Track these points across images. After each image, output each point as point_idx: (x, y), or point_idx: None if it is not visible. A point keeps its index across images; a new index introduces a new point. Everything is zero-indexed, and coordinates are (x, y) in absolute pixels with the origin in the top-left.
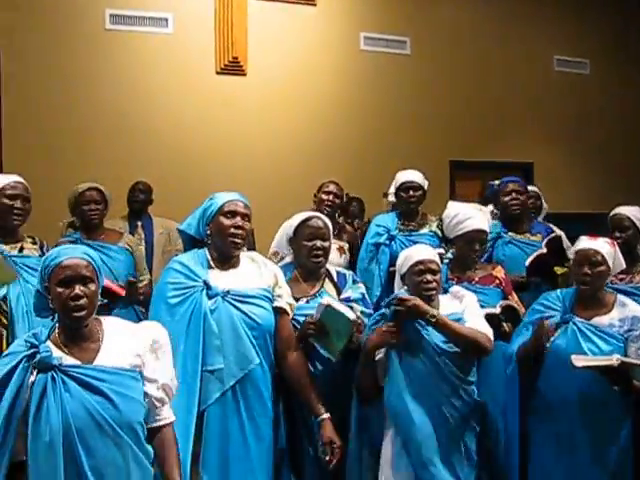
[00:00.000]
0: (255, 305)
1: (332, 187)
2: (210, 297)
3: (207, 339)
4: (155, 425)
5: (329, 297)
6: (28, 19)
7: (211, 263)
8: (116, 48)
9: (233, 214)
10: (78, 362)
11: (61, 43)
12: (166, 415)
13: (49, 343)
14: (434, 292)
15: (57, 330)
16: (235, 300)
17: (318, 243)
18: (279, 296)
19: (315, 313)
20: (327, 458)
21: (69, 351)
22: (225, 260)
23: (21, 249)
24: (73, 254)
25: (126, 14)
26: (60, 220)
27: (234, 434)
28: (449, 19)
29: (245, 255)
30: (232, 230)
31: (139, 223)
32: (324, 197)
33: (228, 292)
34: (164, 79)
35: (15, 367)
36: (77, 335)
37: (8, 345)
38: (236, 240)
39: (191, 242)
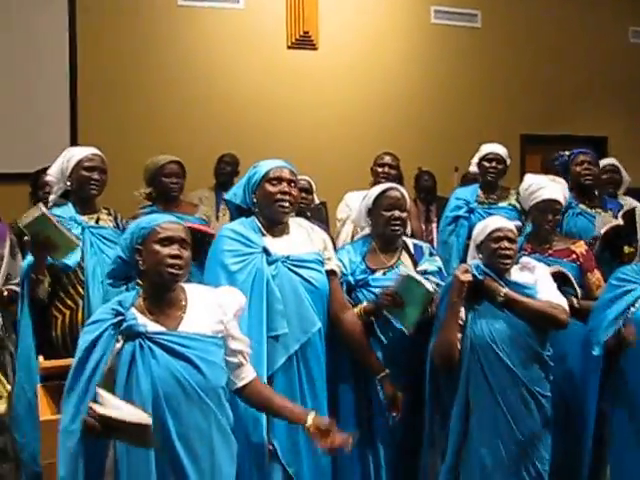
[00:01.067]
0: (312, 269)
1: (387, 159)
2: (270, 263)
3: (271, 304)
4: (244, 383)
5: (406, 269)
6: None
7: (263, 230)
8: (188, 24)
9: (279, 180)
10: (163, 329)
11: (134, 20)
12: (251, 370)
13: (133, 310)
14: (509, 260)
15: (141, 297)
16: (294, 265)
17: (396, 213)
18: (328, 259)
19: (393, 284)
20: (393, 414)
21: (154, 318)
22: (275, 227)
23: (97, 220)
24: (171, 219)
25: None
26: (136, 190)
27: (297, 398)
28: None
29: (293, 221)
30: (279, 196)
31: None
32: (379, 170)
33: (288, 257)
34: (236, 54)
35: (101, 334)
36: (162, 301)
37: (84, 314)
38: (284, 205)
39: (237, 211)
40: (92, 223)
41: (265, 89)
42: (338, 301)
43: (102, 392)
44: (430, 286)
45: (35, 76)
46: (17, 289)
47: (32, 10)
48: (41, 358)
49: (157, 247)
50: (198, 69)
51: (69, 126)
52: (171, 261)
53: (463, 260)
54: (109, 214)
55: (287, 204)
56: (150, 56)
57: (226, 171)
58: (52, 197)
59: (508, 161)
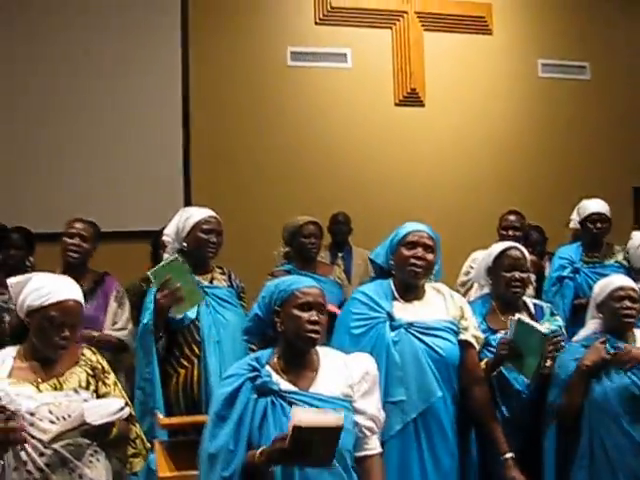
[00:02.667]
0: (439, 337)
1: (511, 218)
2: (393, 328)
3: (390, 370)
4: (362, 454)
5: (519, 315)
6: (214, 59)
7: (395, 294)
8: (298, 84)
9: (414, 245)
10: (295, 388)
11: (246, 81)
12: (374, 445)
13: (268, 368)
14: (633, 320)
15: (276, 356)
16: (418, 332)
17: (517, 274)
18: (465, 329)
19: (508, 333)
20: None
21: (287, 377)
22: (409, 291)
23: (212, 279)
24: (310, 283)
25: (307, 51)
26: (245, 249)
27: (414, 467)
28: (627, 40)
29: (430, 286)
30: (412, 260)
31: (339, 254)
32: (503, 233)
33: (411, 324)
34: (344, 112)
35: (240, 387)
36: (298, 362)
37: (199, 373)
38: (415, 270)
39: (381, 271)
40: (206, 283)
41: (374, 146)
42: (469, 373)
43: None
44: (544, 329)
45: (150, 138)
46: (119, 335)
47: (145, 69)
48: (160, 415)
49: (297, 312)
50: (307, 128)
51: (183, 186)
52: (310, 327)
53: (569, 321)
54: (223, 273)
55: (420, 270)
56: (262, 116)
57: (342, 230)
58: (166, 256)
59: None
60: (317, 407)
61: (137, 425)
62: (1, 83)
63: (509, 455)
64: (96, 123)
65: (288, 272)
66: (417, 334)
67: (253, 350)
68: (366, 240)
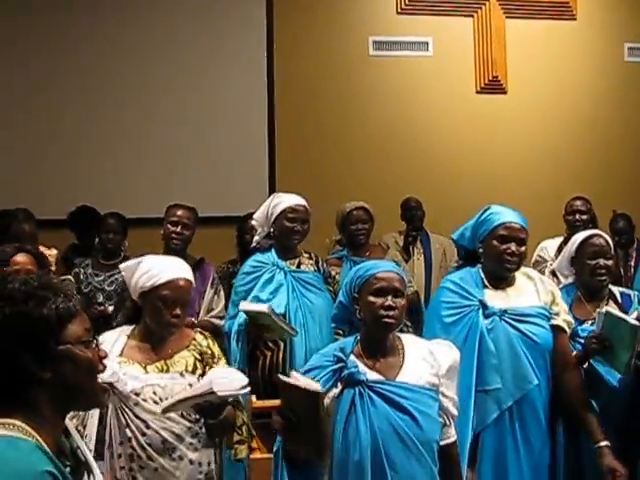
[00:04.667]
0: (533, 324)
1: (577, 204)
2: (486, 316)
3: (484, 358)
4: (443, 443)
5: (607, 307)
6: (298, 49)
7: (485, 282)
8: (379, 73)
9: (507, 239)
10: (382, 377)
11: (329, 70)
12: (452, 433)
13: (353, 357)
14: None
15: (360, 344)
16: (512, 319)
17: (601, 261)
18: (556, 314)
19: (596, 326)
20: None
21: (372, 365)
22: (500, 278)
23: (299, 264)
24: (387, 267)
25: (388, 40)
26: (332, 235)
27: (510, 456)
28: None
29: (521, 272)
30: (505, 257)
31: (416, 241)
32: (569, 218)
33: (505, 311)
34: (426, 101)
35: (321, 379)
36: (380, 349)
37: (284, 359)
38: (510, 266)
39: (466, 253)
40: (294, 268)
41: (455, 135)
42: (563, 359)
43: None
44: (633, 320)
45: (235, 125)
46: (217, 322)
47: (231, 58)
48: (254, 397)
49: (372, 298)
50: (388, 116)
51: (267, 173)
52: (384, 312)
53: None
54: (310, 258)
55: (514, 265)
56: (342, 104)
57: (417, 215)
58: (256, 238)
59: None
60: (405, 397)
61: (243, 412)
62: (91, 69)
63: (604, 443)
64: (182, 111)
65: (340, 259)
66: (511, 321)
67: (339, 334)
68: (439, 227)
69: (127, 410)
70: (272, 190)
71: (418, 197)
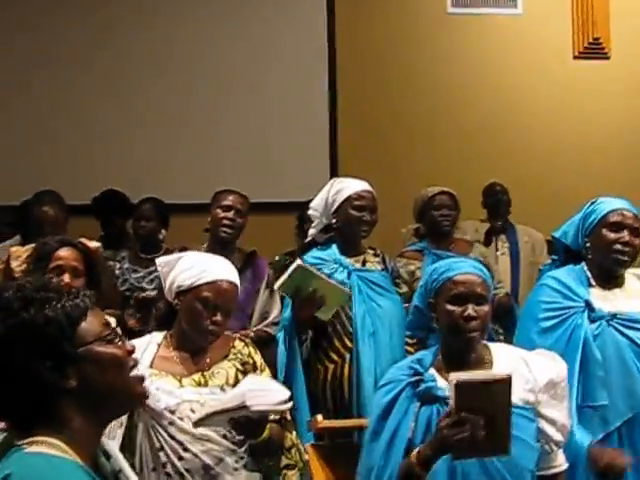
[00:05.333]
0: None
1: None
2: (592, 320)
3: (589, 369)
4: (548, 473)
5: None
6: (362, 15)
7: (591, 281)
8: (459, 33)
9: (619, 227)
10: None
11: (398, 34)
12: (559, 462)
13: (432, 370)
14: None
15: (439, 355)
16: (622, 325)
17: None
18: None
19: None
20: None
21: None
22: (608, 278)
23: (364, 262)
24: (466, 269)
25: None
26: (403, 227)
27: None
28: None
29: (630, 272)
30: (617, 246)
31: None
32: None
33: (614, 315)
34: (513, 65)
35: (397, 395)
36: (463, 361)
37: (351, 369)
38: (620, 258)
39: (564, 253)
40: (358, 266)
41: (548, 108)
42: None
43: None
44: None
45: (294, 103)
46: (272, 332)
47: (290, 33)
48: (319, 417)
49: (449, 306)
50: (467, 85)
51: (328, 152)
52: (464, 323)
53: None
54: (376, 255)
55: (626, 257)
56: (418, 70)
57: (502, 201)
58: (312, 231)
59: None
60: None
61: (293, 432)
62: (130, 48)
63: None
64: (230, 84)
65: (420, 252)
66: (621, 327)
67: (409, 344)
68: (526, 218)
69: (160, 430)
70: (334, 173)
71: (503, 182)
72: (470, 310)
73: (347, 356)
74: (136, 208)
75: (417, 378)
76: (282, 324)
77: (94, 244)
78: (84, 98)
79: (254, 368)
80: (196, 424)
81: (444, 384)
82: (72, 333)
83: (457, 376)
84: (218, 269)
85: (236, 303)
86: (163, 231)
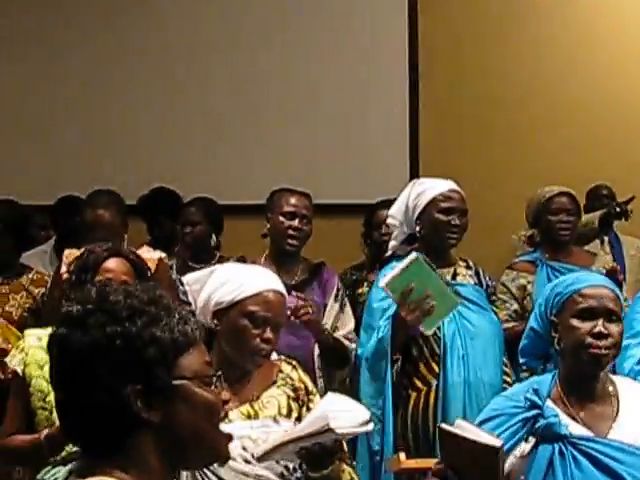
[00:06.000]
0: None
1: None
2: None
3: None
4: None
5: None
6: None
7: None
8: (554, 9)
9: None
10: (589, 432)
11: (490, 14)
12: None
13: (550, 402)
14: None
15: (559, 384)
16: None
17: None
18: None
19: None
20: None
21: (576, 415)
22: None
23: (454, 275)
24: (596, 281)
25: None
26: (491, 236)
27: None
28: None
29: None
30: None
31: (605, 239)
32: None
33: None
34: (621, 45)
35: (505, 431)
36: (587, 393)
37: (436, 398)
38: None
39: None
40: (449, 279)
41: None
42: None
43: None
44: None
45: (372, 99)
46: (347, 344)
47: (370, 27)
48: (403, 455)
49: (575, 322)
50: (565, 73)
51: (408, 153)
52: (592, 341)
53: None
54: (468, 267)
55: None
56: (511, 58)
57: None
58: (393, 243)
59: None
60: (620, 461)
61: (351, 464)
62: (185, 38)
63: None
64: (308, 85)
65: (532, 263)
66: None
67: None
68: (634, 228)
69: (208, 473)
70: (414, 172)
71: (611, 185)
72: (600, 327)
73: (433, 383)
74: (182, 212)
75: (535, 412)
76: (376, 345)
77: (157, 254)
78: (129, 93)
79: (307, 393)
80: (261, 459)
81: (567, 420)
82: (172, 362)
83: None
84: (260, 279)
85: (285, 316)
86: (214, 236)
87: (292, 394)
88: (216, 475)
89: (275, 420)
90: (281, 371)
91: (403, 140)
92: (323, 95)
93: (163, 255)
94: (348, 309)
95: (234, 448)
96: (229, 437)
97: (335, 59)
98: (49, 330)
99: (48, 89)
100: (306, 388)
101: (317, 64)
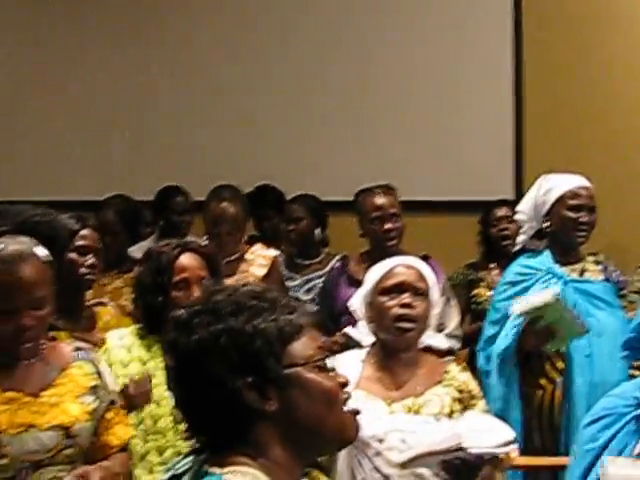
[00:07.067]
0: None
1: None
2: None
3: None
4: None
5: None
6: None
7: None
8: None
9: None
10: None
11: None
12: None
13: None
14: None
15: None
16: None
17: None
18: None
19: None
20: None
21: None
22: None
23: (582, 272)
24: None
25: None
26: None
27: None
28: None
29: None
30: None
31: None
32: None
33: None
34: None
35: (618, 432)
36: None
37: (562, 397)
38: None
39: None
40: (575, 276)
41: None
42: None
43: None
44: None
45: (475, 92)
46: (451, 344)
47: (472, 24)
48: (515, 452)
49: None
50: None
51: (513, 148)
52: None
53: None
54: (597, 263)
55: None
56: (611, 56)
57: None
58: (522, 238)
59: None
60: None
61: (504, 472)
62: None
63: None
64: (417, 80)
65: None
66: None
67: (634, 367)
68: None
69: (365, 462)
70: (519, 167)
71: None
72: None
73: (558, 381)
74: (284, 209)
75: None
76: (503, 351)
77: (272, 252)
78: (238, 89)
79: (471, 397)
80: (403, 466)
81: None
82: (281, 351)
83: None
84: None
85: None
86: (317, 231)
87: (456, 395)
88: (374, 466)
89: (437, 418)
90: (447, 372)
91: (506, 134)
92: (424, 87)
93: (277, 253)
94: (454, 303)
95: (393, 439)
96: (355, 412)
97: (434, 50)
98: (130, 329)
99: (144, 80)
100: (470, 392)
101: (417, 56)
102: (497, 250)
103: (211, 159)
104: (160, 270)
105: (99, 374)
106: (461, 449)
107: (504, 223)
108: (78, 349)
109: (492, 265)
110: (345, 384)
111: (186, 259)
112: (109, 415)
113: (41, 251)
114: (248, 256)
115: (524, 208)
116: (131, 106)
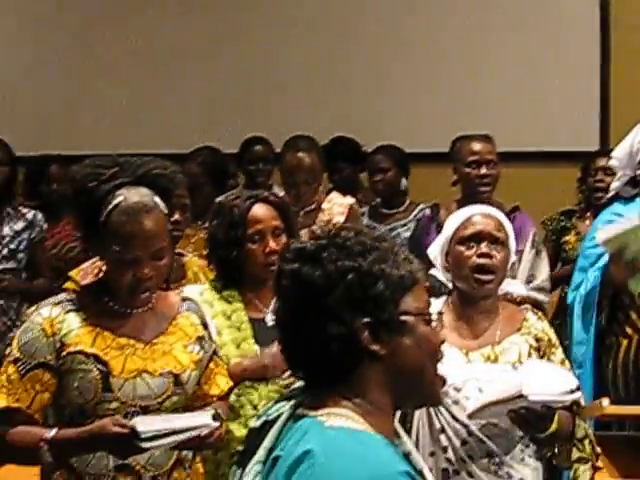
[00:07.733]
0: None
1: None
2: None
3: None
4: None
5: None
6: None
7: None
8: None
9: None
10: None
11: None
12: None
13: None
14: None
15: None
16: None
17: None
18: None
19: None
20: None
21: None
22: None
23: None
24: None
25: None
26: None
27: None
28: None
29: None
30: None
31: None
32: None
33: None
34: None
35: None
36: None
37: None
38: None
39: None
40: None
41: None
42: None
43: None
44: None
45: (553, 28)
46: (540, 298)
47: None
48: (605, 401)
49: None
50: None
51: (599, 93)
52: None
53: None
54: None
55: None
56: None
57: None
58: (616, 184)
59: None
60: None
61: (586, 420)
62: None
63: None
64: (503, 27)
65: None
66: None
67: None
68: None
69: (442, 410)
70: (605, 121)
71: None
72: None
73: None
74: (368, 161)
75: None
76: (586, 291)
77: (348, 200)
78: (322, 40)
79: (549, 345)
80: (471, 416)
81: None
82: (399, 298)
83: None
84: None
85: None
86: (403, 180)
87: (534, 344)
88: (452, 415)
89: (514, 367)
90: (526, 320)
91: (593, 87)
92: (514, 40)
93: (353, 201)
94: (544, 255)
95: (470, 389)
96: (444, 381)
97: (527, 3)
98: (206, 285)
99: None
100: (549, 340)
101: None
102: (590, 200)
103: (292, 111)
104: (233, 224)
105: (204, 325)
106: (522, 396)
107: (600, 175)
108: (185, 299)
109: (587, 214)
110: (443, 342)
111: (259, 210)
112: (211, 365)
113: (161, 203)
114: (325, 205)
115: (619, 155)
116: (215, 59)
